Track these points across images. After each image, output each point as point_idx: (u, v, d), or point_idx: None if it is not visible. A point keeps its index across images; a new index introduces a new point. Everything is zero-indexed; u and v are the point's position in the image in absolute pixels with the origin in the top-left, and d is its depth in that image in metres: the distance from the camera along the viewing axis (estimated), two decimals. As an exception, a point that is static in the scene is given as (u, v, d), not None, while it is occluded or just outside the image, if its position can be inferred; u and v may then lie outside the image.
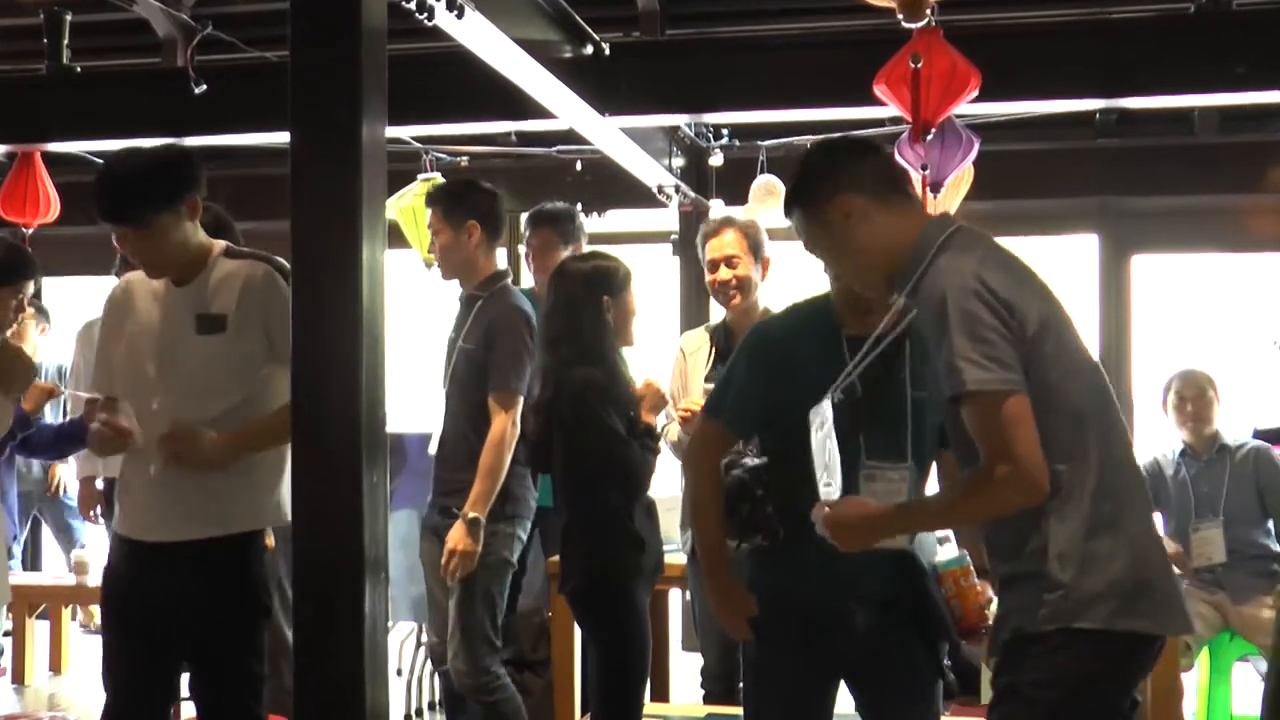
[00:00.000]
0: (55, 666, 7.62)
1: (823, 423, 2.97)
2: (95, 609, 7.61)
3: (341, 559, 3.28)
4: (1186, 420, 5.83)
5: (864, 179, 2.91)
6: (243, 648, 3.68)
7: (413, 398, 4.94)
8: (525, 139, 7.49)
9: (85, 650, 7.73)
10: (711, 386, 4.57)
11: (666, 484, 4.92)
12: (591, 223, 7.10)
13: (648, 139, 6.56)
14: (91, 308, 6.20)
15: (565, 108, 5.29)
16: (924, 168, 5.30)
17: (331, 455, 3.30)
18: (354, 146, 3.30)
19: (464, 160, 7.69)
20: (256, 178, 7.32)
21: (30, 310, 7.02)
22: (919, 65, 4.87)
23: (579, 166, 7.62)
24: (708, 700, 5.16)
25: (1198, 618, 5.57)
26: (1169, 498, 5.81)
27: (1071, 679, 2.68)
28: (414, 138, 7.08)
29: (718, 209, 7.11)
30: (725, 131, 7.30)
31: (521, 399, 4.66)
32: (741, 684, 4.82)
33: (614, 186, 7.43)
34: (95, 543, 7.27)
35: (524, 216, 5.78)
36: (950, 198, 5.79)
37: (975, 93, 4.99)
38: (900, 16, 4.94)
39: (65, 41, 6.17)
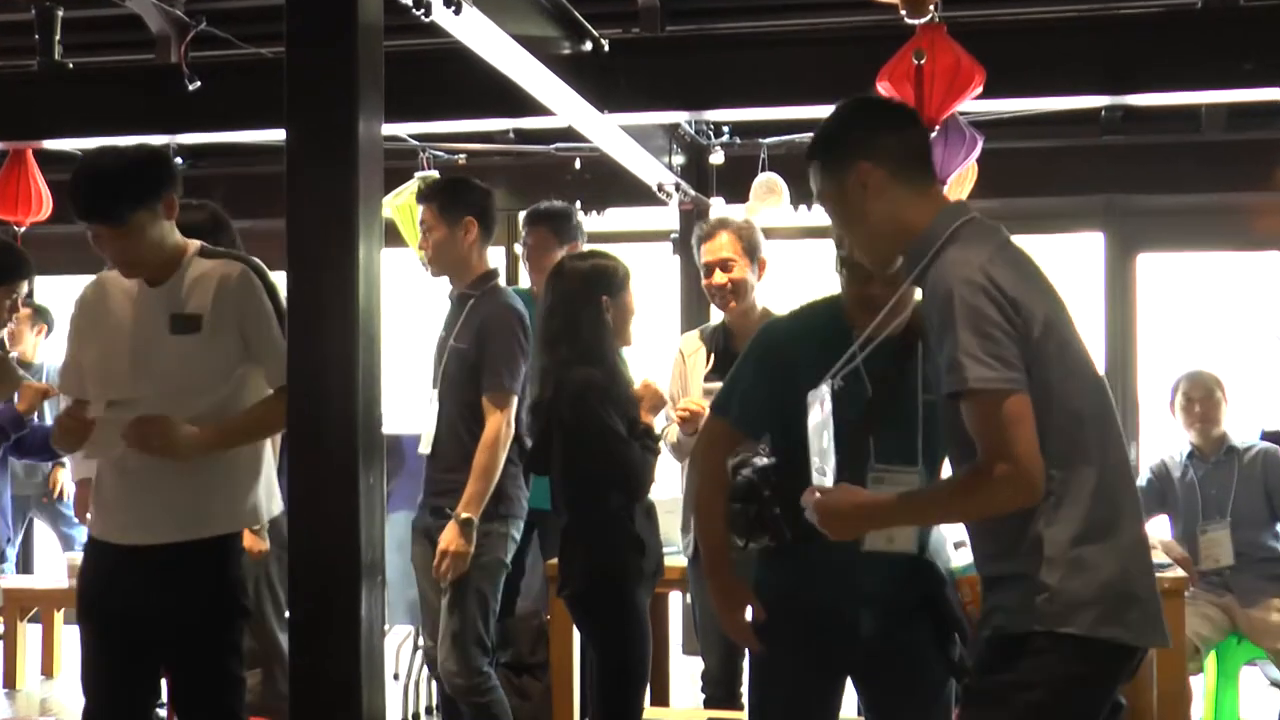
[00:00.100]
0: (47, 670, 7.59)
1: (819, 409, 2.93)
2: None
3: (338, 561, 3.28)
4: (1194, 422, 5.81)
5: (890, 151, 2.86)
6: (221, 649, 3.68)
7: (409, 398, 4.91)
8: (523, 137, 7.48)
9: (78, 654, 7.65)
10: (710, 387, 4.59)
11: (666, 486, 4.88)
12: (591, 221, 7.10)
13: (647, 136, 6.55)
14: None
15: (564, 105, 5.26)
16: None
17: (328, 456, 3.30)
18: (350, 144, 3.29)
19: (462, 158, 7.68)
20: (251, 176, 7.32)
21: (28, 310, 7.00)
22: (922, 61, 4.85)
23: (578, 164, 7.63)
24: (708, 705, 5.13)
25: (1205, 620, 5.55)
26: (1176, 499, 5.80)
27: (1055, 682, 2.67)
28: (411, 135, 7.05)
29: (718, 207, 7.11)
30: (726, 129, 7.30)
31: (516, 398, 4.64)
32: (746, 685, 4.87)
33: (613, 185, 7.43)
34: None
35: (521, 215, 5.75)
36: (953, 196, 5.75)
37: (979, 89, 4.97)
38: (903, 12, 4.93)
39: (57, 37, 6.11)
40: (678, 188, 7.10)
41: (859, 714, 4.11)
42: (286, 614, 4.47)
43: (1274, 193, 7.51)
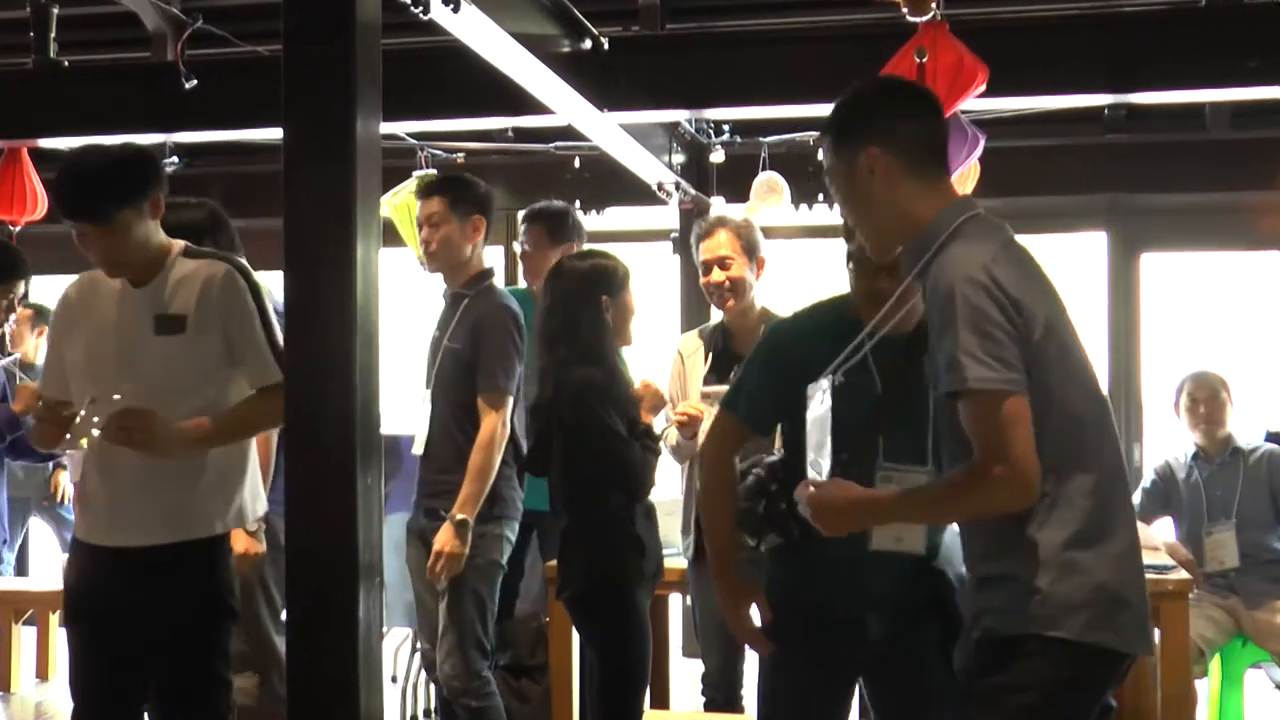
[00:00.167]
0: (42, 673, 7.53)
1: (819, 402, 2.91)
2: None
3: (335, 561, 3.27)
4: (1199, 423, 5.80)
5: (903, 139, 2.81)
6: (208, 650, 3.66)
7: (407, 399, 4.89)
8: (522, 135, 7.44)
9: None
10: (708, 391, 4.57)
11: (666, 488, 4.87)
12: (590, 220, 7.08)
13: (647, 135, 6.54)
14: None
15: (563, 103, 5.25)
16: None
17: (326, 456, 3.29)
18: (348, 143, 3.28)
19: (460, 157, 7.69)
20: (248, 174, 7.29)
21: (28, 311, 6.97)
22: (924, 60, 4.83)
23: (577, 163, 7.63)
24: (708, 707, 5.10)
25: (1210, 623, 5.53)
26: (1181, 501, 5.79)
27: (1045, 685, 2.67)
28: (409, 134, 7.04)
29: (719, 206, 7.09)
30: (726, 127, 7.30)
31: (511, 398, 4.64)
32: (746, 688, 4.85)
33: (613, 184, 7.43)
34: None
35: (520, 214, 5.73)
36: (957, 194, 5.74)
37: (982, 88, 4.94)
38: (905, 10, 4.92)
39: (52, 35, 6.09)
40: (678, 187, 7.10)
41: (860, 717, 4.08)
42: (283, 616, 4.44)
43: (1279, 192, 7.49)
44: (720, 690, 5.05)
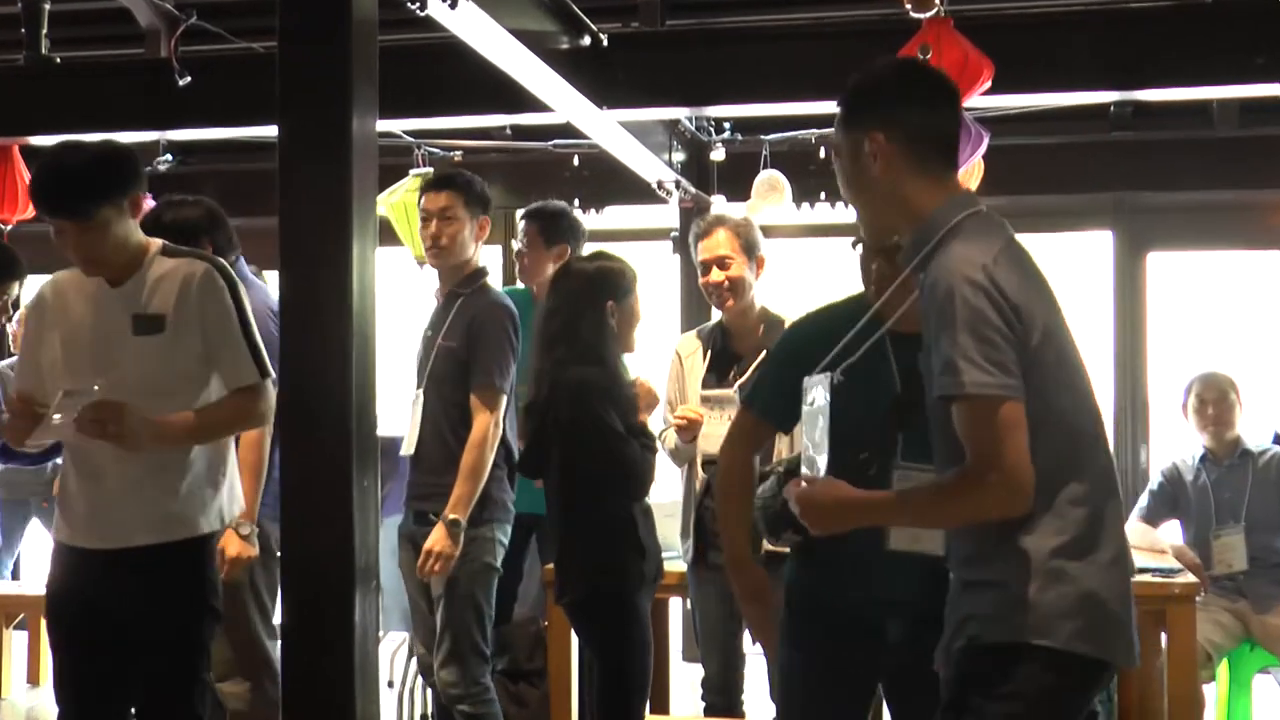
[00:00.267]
0: (33, 679, 7.50)
1: (815, 399, 2.86)
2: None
3: (332, 565, 3.28)
4: (1207, 424, 5.76)
5: (911, 127, 2.74)
6: (190, 651, 3.64)
7: (404, 399, 4.86)
8: (521, 133, 7.44)
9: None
10: (708, 395, 4.53)
11: (665, 490, 4.84)
12: (589, 219, 7.06)
13: (647, 133, 6.53)
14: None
15: (562, 101, 5.25)
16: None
17: (322, 457, 3.30)
18: (344, 140, 3.29)
19: (457, 155, 7.67)
20: (243, 172, 7.25)
21: (24, 311, 6.91)
22: (928, 56, 4.83)
23: (576, 161, 7.64)
24: (709, 713, 5.07)
25: (1217, 627, 5.49)
26: (1189, 503, 5.76)
27: (1031, 694, 2.64)
28: (406, 131, 7.03)
29: (719, 205, 7.08)
30: (727, 125, 7.31)
31: (505, 397, 4.62)
32: (746, 692, 4.82)
33: (612, 182, 7.43)
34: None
35: (519, 214, 5.71)
36: (961, 191, 5.74)
37: (987, 84, 4.95)
38: (909, 6, 4.94)
39: (44, 31, 6.08)
40: (678, 185, 7.10)
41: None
42: (275, 620, 4.41)
43: (1286, 190, 7.50)
44: (720, 695, 5.01)
